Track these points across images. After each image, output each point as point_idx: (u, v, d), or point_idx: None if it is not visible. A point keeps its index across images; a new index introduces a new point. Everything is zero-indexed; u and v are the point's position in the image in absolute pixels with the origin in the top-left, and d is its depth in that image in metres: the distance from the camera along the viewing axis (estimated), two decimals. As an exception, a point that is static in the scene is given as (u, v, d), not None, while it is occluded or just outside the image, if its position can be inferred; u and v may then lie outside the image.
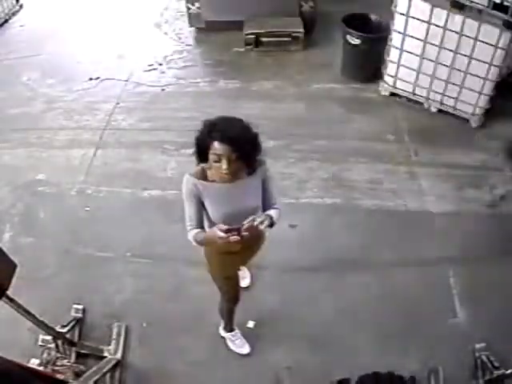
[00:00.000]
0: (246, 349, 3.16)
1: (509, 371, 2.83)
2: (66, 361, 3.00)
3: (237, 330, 3.17)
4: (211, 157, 2.09)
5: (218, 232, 2.06)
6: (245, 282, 3.42)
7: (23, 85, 5.44)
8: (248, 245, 2.40)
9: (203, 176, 2.26)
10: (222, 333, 3.20)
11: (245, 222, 2.07)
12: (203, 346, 3.19)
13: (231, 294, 2.83)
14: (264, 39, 5.75)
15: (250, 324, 3.30)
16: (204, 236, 2.24)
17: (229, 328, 3.15)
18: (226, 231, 2.06)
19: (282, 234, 3.68)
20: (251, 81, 5.35)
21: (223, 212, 2.27)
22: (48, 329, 2.84)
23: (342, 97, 5.13)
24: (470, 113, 4.66)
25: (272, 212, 2.31)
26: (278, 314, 3.34)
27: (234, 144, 2.04)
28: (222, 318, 3.10)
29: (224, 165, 2.07)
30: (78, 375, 2.95)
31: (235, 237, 2.05)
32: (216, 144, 2.05)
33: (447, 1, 4.19)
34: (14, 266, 2.36)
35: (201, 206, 2.28)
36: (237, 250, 2.33)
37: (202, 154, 2.14)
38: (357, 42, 4.99)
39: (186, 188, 2.26)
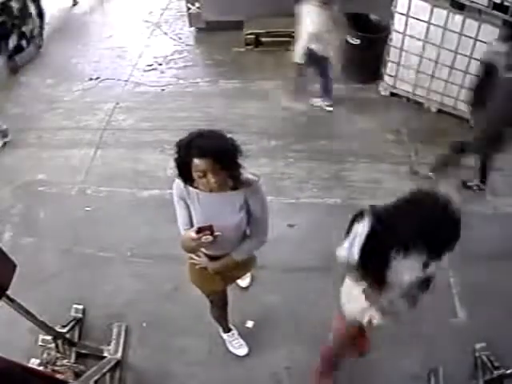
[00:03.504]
0: (243, 350, 3.16)
1: (509, 371, 2.83)
2: (65, 361, 3.01)
3: (233, 331, 3.18)
4: (196, 174, 2.07)
5: (190, 233, 2.11)
6: (245, 281, 3.42)
7: (23, 85, 5.44)
8: (226, 267, 2.45)
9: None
10: (222, 334, 3.20)
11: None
12: (203, 346, 3.20)
13: (215, 302, 2.85)
14: (264, 39, 5.75)
15: (249, 324, 3.30)
16: (181, 240, 2.25)
17: (226, 330, 3.16)
18: (198, 231, 2.08)
19: (281, 234, 3.69)
20: (251, 81, 5.35)
21: (203, 221, 2.24)
22: (48, 329, 2.85)
23: (342, 97, 5.12)
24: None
25: (245, 245, 2.38)
26: (277, 313, 3.34)
27: (213, 156, 2.02)
28: (218, 323, 3.12)
29: (211, 178, 2.06)
30: (77, 375, 2.96)
31: (208, 236, 2.08)
32: (197, 161, 2.03)
33: (447, 1, 4.20)
34: (14, 266, 2.37)
35: (189, 210, 2.28)
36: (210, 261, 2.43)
37: (186, 174, 2.12)
38: (357, 41, 4.99)
39: (175, 192, 2.27)
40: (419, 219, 1.94)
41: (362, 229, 2.13)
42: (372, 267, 2.17)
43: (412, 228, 1.94)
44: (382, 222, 2.07)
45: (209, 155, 2.01)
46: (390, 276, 2.14)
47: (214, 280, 2.57)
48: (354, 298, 2.40)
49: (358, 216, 2.19)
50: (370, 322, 2.41)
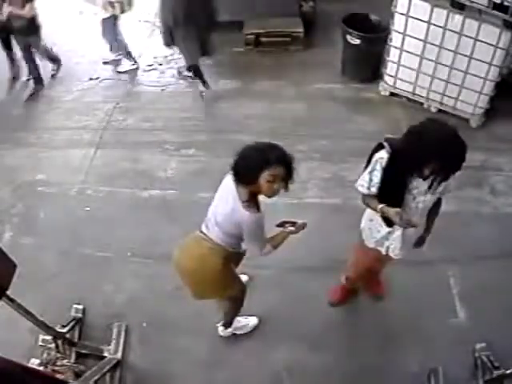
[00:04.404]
0: (253, 320, 3.25)
1: (509, 371, 2.83)
2: (65, 361, 3.00)
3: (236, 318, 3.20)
4: (266, 178, 2.26)
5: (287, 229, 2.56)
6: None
7: (23, 84, 5.44)
8: None
9: (255, 201, 2.40)
10: (225, 332, 3.21)
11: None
12: (203, 346, 3.20)
13: (244, 290, 2.92)
14: (264, 39, 5.75)
15: (251, 325, 3.28)
16: (279, 237, 2.60)
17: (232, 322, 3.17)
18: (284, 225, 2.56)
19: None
20: (251, 81, 5.35)
21: None
22: (48, 329, 2.85)
23: (342, 97, 5.12)
24: (470, 113, 4.66)
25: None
26: (278, 313, 3.33)
27: (287, 166, 2.30)
28: (231, 319, 3.14)
29: (276, 185, 2.30)
30: (77, 375, 2.95)
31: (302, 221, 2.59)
32: (274, 166, 2.25)
33: (447, 1, 4.20)
34: (14, 266, 2.37)
35: None
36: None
37: (252, 176, 2.29)
38: (357, 41, 4.99)
39: (261, 224, 2.42)
40: (434, 143, 2.17)
41: (380, 156, 2.38)
42: (391, 192, 2.39)
43: (427, 151, 2.18)
44: (399, 149, 2.30)
45: (283, 164, 2.27)
46: (407, 199, 2.41)
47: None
48: (374, 226, 2.67)
49: (377, 147, 2.44)
50: (387, 251, 2.71)
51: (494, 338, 3.08)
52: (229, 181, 2.41)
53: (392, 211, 2.35)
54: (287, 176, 2.32)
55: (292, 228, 2.55)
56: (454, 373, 3.00)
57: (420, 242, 2.78)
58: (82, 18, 6.47)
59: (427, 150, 2.18)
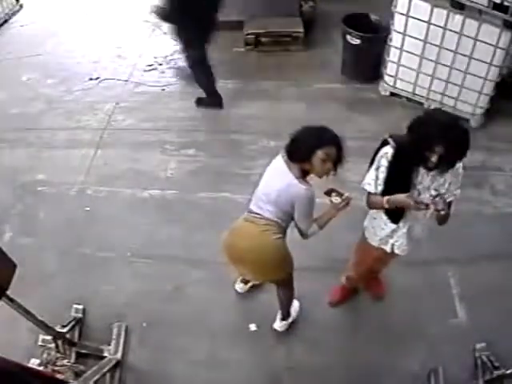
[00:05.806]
0: (295, 302, 3.23)
1: (509, 371, 2.83)
2: (66, 361, 3.00)
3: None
4: (320, 156, 2.43)
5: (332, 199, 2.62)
6: (242, 286, 3.42)
7: (23, 85, 5.44)
8: None
9: (305, 180, 2.54)
10: (283, 325, 3.21)
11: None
12: (203, 346, 3.19)
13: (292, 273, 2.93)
14: (264, 39, 5.75)
15: (253, 327, 3.29)
16: (325, 217, 2.70)
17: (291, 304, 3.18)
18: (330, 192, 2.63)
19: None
20: (251, 81, 5.35)
21: None
22: (48, 329, 2.84)
23: (342, 97, 5.12)
24: (470, 113, 4.66)
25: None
26: (277, 313, 3.33)
27: (339, 147, 2.47)
28: (289, 307, 3.15)
29: (329, 165, 2.47)
30: (77, 375, 2.95)
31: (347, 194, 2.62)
32: (327, 146, 2.43)
33: (447, 1, 4.20)
34: (14, 266, 2.37)
35: None
36: None
37: (306, 154, 2.44)
38: (357, 41, 4.99)
39: (314, 201, 2.58)
40: (436, 126, 2.18)
41: (385, 151, 2.40)
42: (397, 187, 2.38)
43: (431, 135, 2.17)
44: (404, 141, 2.33)
45: (337, 145, 2.46)
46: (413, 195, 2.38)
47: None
48: (377, 224, 2.68)
49: (381, 144, 2.47)
50: (393, 249, 2.72)
51: (494, 337, 3.08)
52: (278, 162, 2.56)
53: (402, 196, 2.34)
54: (338, 158, 2.46)
55: (338, 199, 2.59)
56: (454, 373, 3.00)
57: (443, 219, 2.51)
58: (86, 18, 6.49)
59: (430, 133, 2.18)
